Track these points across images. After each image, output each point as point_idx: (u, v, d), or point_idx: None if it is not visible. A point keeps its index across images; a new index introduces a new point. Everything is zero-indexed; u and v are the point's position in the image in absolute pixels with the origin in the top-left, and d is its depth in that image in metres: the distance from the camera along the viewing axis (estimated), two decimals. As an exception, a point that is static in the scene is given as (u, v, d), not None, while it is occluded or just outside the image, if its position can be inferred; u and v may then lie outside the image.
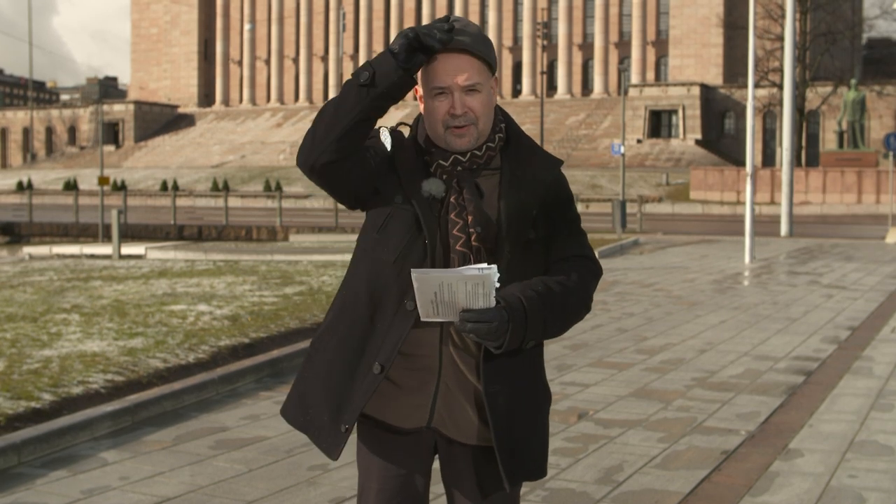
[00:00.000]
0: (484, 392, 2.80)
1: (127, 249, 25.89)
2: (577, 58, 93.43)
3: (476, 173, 2.87)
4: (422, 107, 2.90)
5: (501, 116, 2.96)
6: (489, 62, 2.83)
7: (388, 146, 2.90)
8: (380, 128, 2.94)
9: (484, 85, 2.83)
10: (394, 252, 2.82)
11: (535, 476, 2.96)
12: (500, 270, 2.74)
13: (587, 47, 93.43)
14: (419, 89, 2.89)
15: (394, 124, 3.01)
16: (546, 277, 2.86)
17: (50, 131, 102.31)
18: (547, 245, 2.91)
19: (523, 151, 2.94)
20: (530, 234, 2.85)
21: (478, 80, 2.81)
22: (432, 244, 2.80)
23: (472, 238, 2.80)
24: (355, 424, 2.90)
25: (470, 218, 2.81)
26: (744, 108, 67.22)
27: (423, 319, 2.75)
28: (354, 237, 3.24)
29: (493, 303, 2.70)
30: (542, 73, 70.65)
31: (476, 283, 2.68)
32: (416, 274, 2.70)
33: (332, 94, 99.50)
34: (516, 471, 2.87)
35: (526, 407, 2.91)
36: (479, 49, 2.80)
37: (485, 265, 2.69)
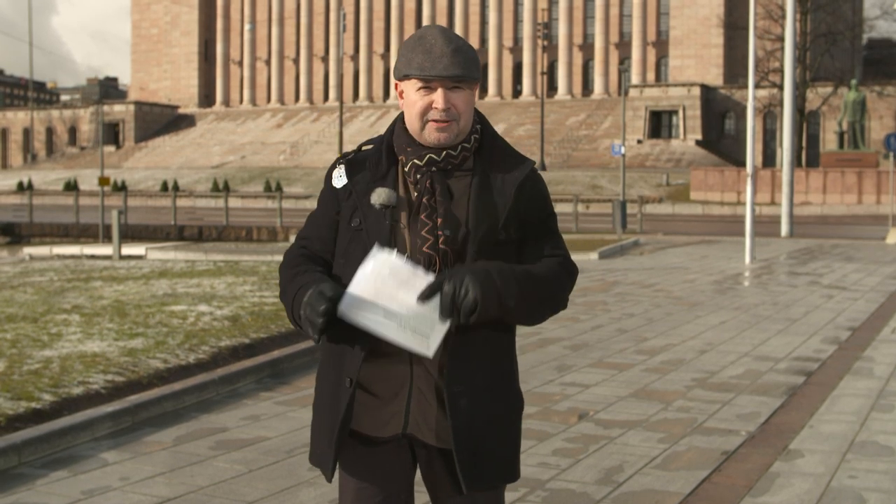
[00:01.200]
0: (446, 392, 2.80)
1: (127, 250, 25.90)
2: (578, 58, 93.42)
3: (449, 174, 2.88)
4: (401, 102, 2.90)
5: (478, 118, 2.96)
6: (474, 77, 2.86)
7: (342, 183, 2.93)
8: (335, 165, 2.97)
9: (468, 85, 2.84)
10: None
11: (500, 481, 2.93)
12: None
13: (587, 48, 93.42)
14: (400, 84, 2.89)
15: (354, 148, 3.03)
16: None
17: (50, 132, 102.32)
18: (519, 247, 2.91)
19: (496, 153, 2.94)
20: (500, 235, 2.85)
21: (463, 79, 2.81)
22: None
23: (440, 241, 2.80)
24: (343, 444, 2.92)
25: (439, 220, 2.81)
26: (744, 109, 67.22)
27: (340, 313, 2.75)
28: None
29: (429, 277, 2.71)
30: (543, 73, 70.71)
31: (396, 269, 2.68)
32: (376, 254, 2.73)
33: (331, 95, 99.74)
34: (476, 473, 2.84)
35: (491, 410, 2.87)
36: (471, 73, 2.83)
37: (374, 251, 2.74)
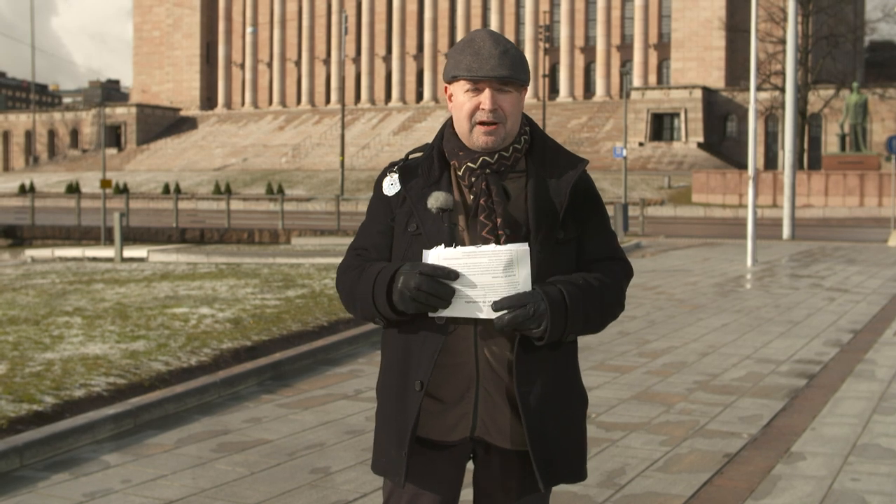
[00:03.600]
0: (517, 391, 2.81)
1: (129, 252, 25.91)
2: (580, 61, 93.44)
3: (503, 176, 2.90)
4: (450, 105, 2.93)
5: (526, 121, 2.99)
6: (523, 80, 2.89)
7: (395, 190, 2.95)
8: (386, 174, 2.99)
9: (516, 87, 2.87)
10: None
11: (572, 479, 2.97)
12: (532, 274, 2.76)
13: (589, 50, 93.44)
14: (449, 87, 2.92)
15: (404, 155, 3.04)
16: (584, 273, 2.89)
17: (52, 134, 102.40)
18: (577, 246, 2.94)
19: (549, 153, 2.97)
20: (559, 234, 2.88)
21: (511, 81, 2.85)
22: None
23: (501, 241, 2.82)
24: (414, 448, 2.91)
25: (499, 220, 2.83)
26: (746, 112, 67.21)
27: (444, 315, 2.76)
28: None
29: (528, 286, 2.73)
30: (544, 76, 70.60)
31: (504, 259, 2.70)
32: (433, 255, 2.74)
33: (333, 97, 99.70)
34: (551, 471, 2.88)
35: (560, 408, 2.90)
36: (519, 75, 2.87)
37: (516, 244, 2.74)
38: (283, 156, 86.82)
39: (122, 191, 61.35)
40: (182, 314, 10.98)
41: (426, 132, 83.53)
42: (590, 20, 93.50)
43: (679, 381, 8.80)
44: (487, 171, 2.88)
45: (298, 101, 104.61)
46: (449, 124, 2.98)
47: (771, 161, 71.31)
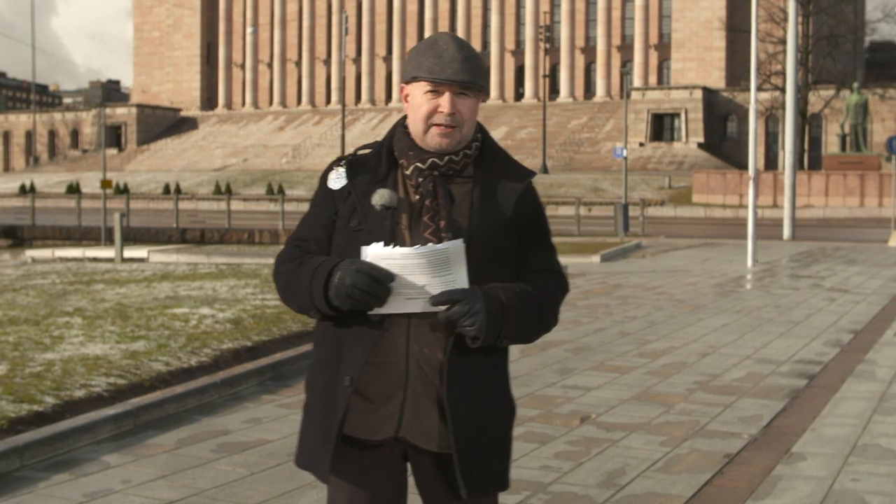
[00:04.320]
0: (446, 396, 2.80)
1: (129, 253, 25.89)
2: (580, 61, 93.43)
3: (450, 180, 2.90)
4: (406, 105, 2.93)
5: (479, 128, 2.99)
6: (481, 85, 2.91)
7: (341, 184, 2.94)
8: (332, 167, 2.98)
9: (474, 93, 2.88)
10: None
11: (495, 488, 2.95)
12: (469, 278, 2.77)
13: (589, 51, 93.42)
14: (406, 87, 2.91)
15: (352, 151, 3.04)
16: (523, 283, 2.90)
17: (53, 135, 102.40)
18: (518, 255, 2.94)
19: (498, 162, 2.97)
20: (500, 242, 2.88)
21: (471, 86, 2.86)
22: None
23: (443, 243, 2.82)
24: (339, 444, 2.92)
25: (442, 223, 2.83)
26: (746, 112, 67.18)
27: (380, 312, 2.77)
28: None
29: (465, 284, 2.74)
30: (545, 76, 70.66)
31: (441, 258, 2.71)
32: (372, 252, 2.74)
33: (334, 98, 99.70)
34: (473, 479, 2.85)
35: (488, 416, 2.89)
36: (479, 80, 2.88)
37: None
38: (283, 156, 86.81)
39: (123, 191, 61.31)
40: (182, 314, 10.98)
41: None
42: (590, 20, 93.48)
43: (679, 382, 8.80)
44: (435, 172, 2.88)
45: (299, 101, 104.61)
46: (402, 123, 2.97)
47: (771, 161, 71.29)
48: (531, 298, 2.87)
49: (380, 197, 2.85)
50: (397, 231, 2.86)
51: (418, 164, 2.88)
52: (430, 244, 2.76)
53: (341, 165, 2.97)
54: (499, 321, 2.78)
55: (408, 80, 2.90)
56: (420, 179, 2.88)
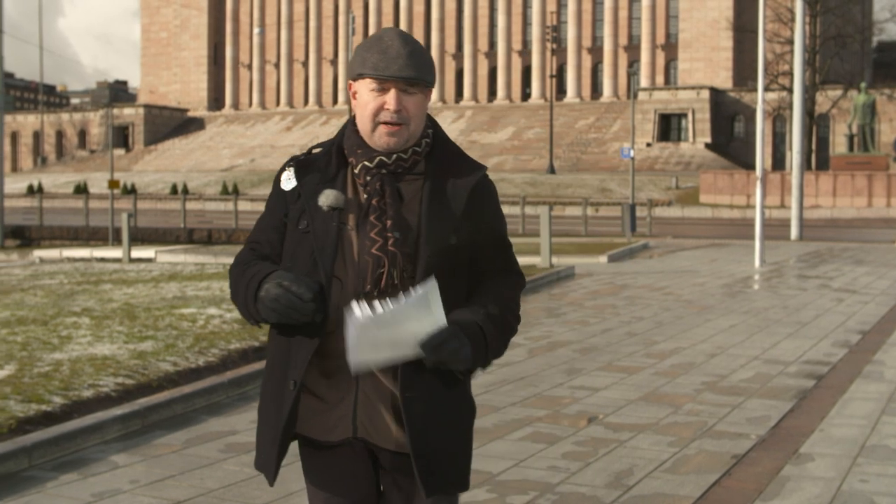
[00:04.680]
0: (402, 398, 2.79)
1: (137, 253, 25.93)
2: (587, 61, 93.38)
3: (399, 177, 2.86)
4: (354, 103, 2.90)
5: (430, 123, 2.95)
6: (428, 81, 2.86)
7: (291, 185, 2.92)
8: (285, 168, 2.97)
9: (421, 89, 2.83)
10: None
11: (455, 489, 2.93)
12: (425, 276, 2.74)
13: (596, 51, 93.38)
14: (353, 85, 2.89)
15: (307, 150, 3.02)
16: (483, 298, 2.88)
17: (60, 135, 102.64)
18: (471, 253, 2.90)
19: (449, 158, 2.92)
20: (452, 240, 2.83)
21: (417, 82, 2.81)
22: (340, 255, 2.81)
23: (389, 243, 2.79)
24: (287, 447, 2.93)
25: (389, 222, 2.80)
26: (753, 112, 67.07)
27: (356, 372, 2.76)
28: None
29: (442, 320, 2.70)
30: (552, 76, 70.65)
31: (422, 303, 2.67)
32: (355, 321, 2.67)
33: (341, 98, 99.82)
34: (433, 480, 2.83)
35: (445, 416, 2.86)
36: (425, 76, 2.84)
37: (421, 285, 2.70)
38: (290, 156, 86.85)
39: (130, 191, 61.47)
40: (190, 314, 11.00)
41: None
42: (597, 21, 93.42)
43: (687, 382, 8.79)
44: (383, 171, 2.84)
45: (306, 101, 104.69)
46: (352, 121, 2.93)
47: (779, 162, 71.17)
48: (501, 318, 2.87)
49: (326, 198, 2.82)
50: (344, 233, 2.83)
51: (366, 163, 2.84)
52: (410, 291, 2.71)
53: (292, 166, 2.95)
54: (483, 352, 2.80)
55: (354, 77, 2.86)
56: (368, 178, 2.84)
